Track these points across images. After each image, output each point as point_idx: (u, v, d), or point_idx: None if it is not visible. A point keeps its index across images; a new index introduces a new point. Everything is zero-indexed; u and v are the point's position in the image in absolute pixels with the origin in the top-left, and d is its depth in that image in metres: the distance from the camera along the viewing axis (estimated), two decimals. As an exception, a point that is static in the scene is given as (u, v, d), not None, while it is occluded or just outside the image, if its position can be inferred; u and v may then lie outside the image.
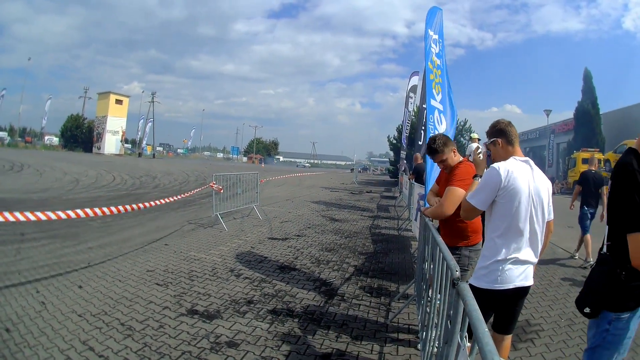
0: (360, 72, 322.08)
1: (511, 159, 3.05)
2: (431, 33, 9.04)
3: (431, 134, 8.49)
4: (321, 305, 5.46)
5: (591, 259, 8.38)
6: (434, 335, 2.95)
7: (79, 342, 4.08)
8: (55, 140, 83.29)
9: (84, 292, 5.52)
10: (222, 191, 10.79)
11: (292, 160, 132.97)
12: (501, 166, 2.94)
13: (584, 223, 8.79)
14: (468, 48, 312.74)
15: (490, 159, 3.36)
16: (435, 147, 4.24)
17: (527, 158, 3.09)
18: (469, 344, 2.13)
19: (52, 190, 16.55)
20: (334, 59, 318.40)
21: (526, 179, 2.96)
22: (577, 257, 9.04)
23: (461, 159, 4.24)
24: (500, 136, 3.19)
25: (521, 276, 2.96)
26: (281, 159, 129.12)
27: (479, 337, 1.54)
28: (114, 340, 4.15)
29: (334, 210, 16.09)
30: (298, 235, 10.11)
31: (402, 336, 4.59)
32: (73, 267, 6.63)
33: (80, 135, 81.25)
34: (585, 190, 8.87)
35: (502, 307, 3.10)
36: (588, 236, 8.67)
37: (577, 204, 9.02)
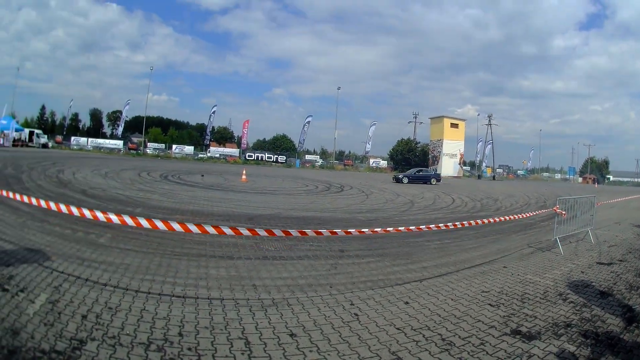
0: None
1: None
2: None
3: None
4: (621, 330, 5.54)
5: None
6: None
7: (388, 352, 4.38)
8: (383, 162, 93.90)
9: (410, 308, 5.86)
10: (565, 216, 11.22)
11: (622, 179, 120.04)
12: None
13: None
14: None
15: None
16: None
17: None
18: None
19: (381, 211, 17.90)
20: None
21: None
22: None
23: None
24: None
25: None
26: (611, 178, 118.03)
27: None
28: (428, 354, 4.42)
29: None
30: (620, 260, 10.07)
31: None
32: (402, 284, 7.04)
33: (413, 158, 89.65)
34: None
35: None
36: None
37: None
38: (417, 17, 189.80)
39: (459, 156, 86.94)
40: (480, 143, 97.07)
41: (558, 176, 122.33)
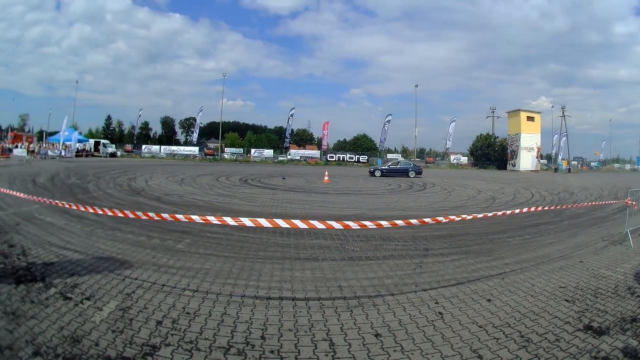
0: None
1: None
2: None
3: None
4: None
5: None
6: None
7: (469, 350, 4.60)
8: (464, 159, 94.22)
9: (492, 305, 6.04)
10: (635, 207, 11.34)
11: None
12: None
13: None
14: None
15: None
16: None
17: None
18: None
19: (464, 208, 18.24)
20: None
21: None
22: None
23: None
24: None
25: None
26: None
27: None
28: (507, 351, 4.62)
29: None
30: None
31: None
32: (485, 281, 7.24)
33: (493, 153, 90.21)
34: None
35: None
36: None
37: None
38: (486, 11, 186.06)
39: (536, 149, 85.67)
40: (556, 135, 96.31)
41: (628, 167, 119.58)
